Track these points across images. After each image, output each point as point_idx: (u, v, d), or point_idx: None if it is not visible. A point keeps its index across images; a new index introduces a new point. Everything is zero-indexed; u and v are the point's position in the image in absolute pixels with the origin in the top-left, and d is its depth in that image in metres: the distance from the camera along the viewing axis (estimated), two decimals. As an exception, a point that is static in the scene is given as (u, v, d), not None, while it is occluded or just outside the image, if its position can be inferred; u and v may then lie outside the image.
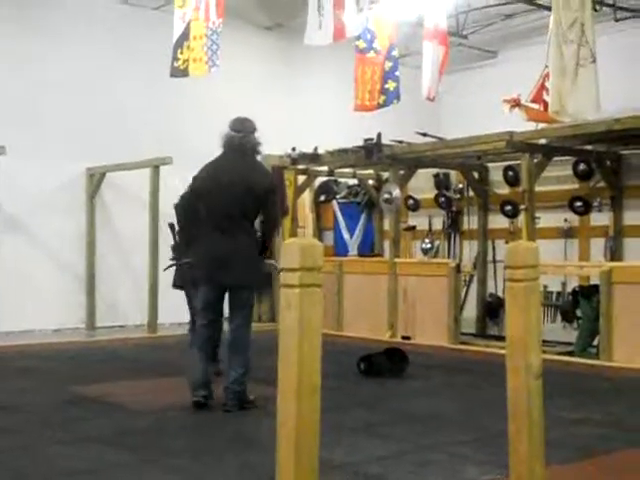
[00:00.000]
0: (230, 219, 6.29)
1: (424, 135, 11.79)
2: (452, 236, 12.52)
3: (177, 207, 7.58)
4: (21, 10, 12.14)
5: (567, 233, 11.14)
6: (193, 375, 6.54)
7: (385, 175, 12.83)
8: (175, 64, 10.69)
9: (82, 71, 12.54)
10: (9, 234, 11.44)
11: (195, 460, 5.03)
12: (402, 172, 11.74)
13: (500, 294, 11.50)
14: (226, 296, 6.50)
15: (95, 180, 12.56)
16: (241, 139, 6.40)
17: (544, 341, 7.83)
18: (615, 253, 10.66)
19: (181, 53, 10.63)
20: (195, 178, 6.61)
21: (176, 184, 7.87)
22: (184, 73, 10.65)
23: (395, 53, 11.81)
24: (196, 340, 6.60)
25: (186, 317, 7.87)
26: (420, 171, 11.98)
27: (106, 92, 12.70)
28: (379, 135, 11.41)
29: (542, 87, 11.29)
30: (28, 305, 11.59)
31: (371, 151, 11.46)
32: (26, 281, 11.68)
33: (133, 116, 12.85)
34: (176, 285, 7.78)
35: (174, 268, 7.76)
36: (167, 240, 8.23)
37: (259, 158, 6.65)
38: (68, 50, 12.44)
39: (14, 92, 11.90)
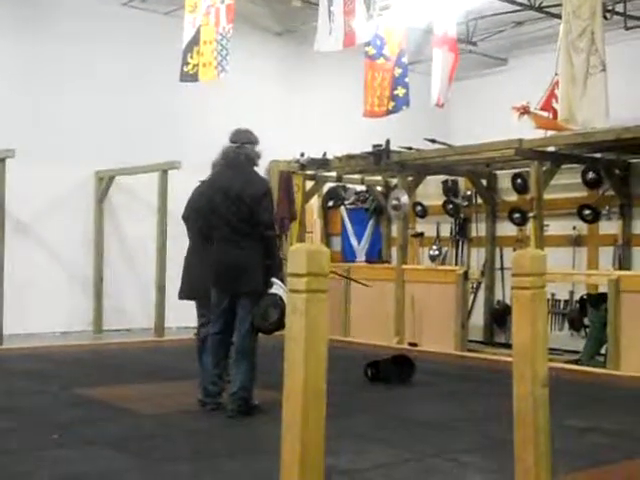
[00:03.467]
0: (232, 229, 6.41)
1: (433, 142, 11.79)
2: (460, 243, 12.50)
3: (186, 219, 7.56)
4: (33, 14, 12.18)
5: (576, 241, 11.11)
6: (203, 380, 6.61)
7: (393, 181, 12.82)
8: (185, 69, 10.71)
9: (92, 75, 12.57)
10: (17, 237, 11.46)
11: (199, 465, 5.03)
12: (410, 178, 11.74)
13: (508, 301, 11.47)
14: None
15: (104, 183, 12.59)
16: (236, 150, 6.53)
17: (551, 349, 7.84)
18: (623, 261, 10.63)
19: (191, 58, 10.65)
20: (200, 193, 6.83)
21: (184, 188, 7.86)
22: (194, 78, 10.66)
23: (405, 59, 11.82)
24: (208, 346, 6.64)
25: (193, 322, 7.86)
26: (428, 178, 11.98)
27: (115, 96, 12.73)
28: (388, 141, 11.41)
29: (552, 95, 11.27)
30: (36, 308, 11.61)
31: (380, 157, 11.46)
32: (34, 284, 11.71)
33: (142, 120, 12.87)
34: (182, 297, 7.69)
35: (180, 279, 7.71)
36: (176, 243, 8.21)
37: (257, 168, 6.70)
38: (78, 55, 12.47)
39: (23, 96, 11.94)
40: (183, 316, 9.13)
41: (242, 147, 6.54)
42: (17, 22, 12.06)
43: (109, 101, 12.68)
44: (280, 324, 6.11)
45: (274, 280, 6.34)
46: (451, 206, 12.37)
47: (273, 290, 6.31)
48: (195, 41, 10.56)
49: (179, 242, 8.05)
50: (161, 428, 6.04)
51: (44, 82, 12.17)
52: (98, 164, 12.44)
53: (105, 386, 7.76)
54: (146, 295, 12.09)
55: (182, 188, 7.88)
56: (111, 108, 12.67)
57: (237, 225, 6.38)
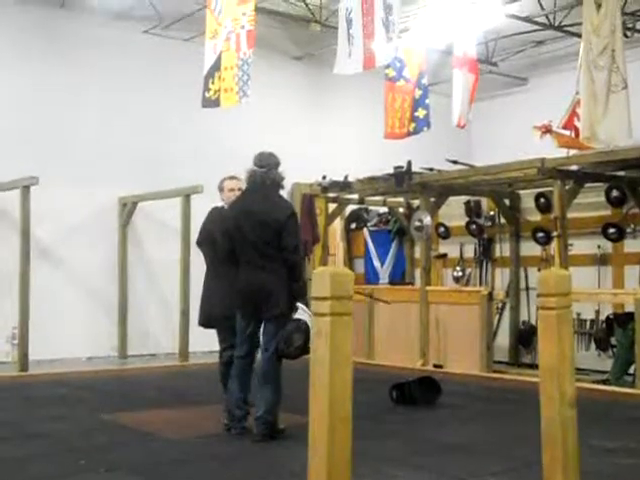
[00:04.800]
0: (257, 253, 6.42)
1: (455, 162, 11.77)
2: (484, 264, 12.43)
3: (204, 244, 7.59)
4: (53, 42, 12.33)
5: (600, 260, 11.02)
6: (229, 404, 6.61)
7: (416, 203, 12.80)
8: (207, 95, 10.76)
9: (114, 102, 12.69)
10: (42, 263, 11.54)
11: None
12: (433, 199, 11.72)
13: (533, 322, 11.40)
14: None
15: (127, 209, 12.68)
16: (262, 175, 6.55)
17: (578, 369, 7.77)
18: (650, 280, 10.53)
19: (212, 83, 10.70)
20: (225, 217, 6.81)
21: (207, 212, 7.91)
22: (215, 103, 10.71)
23: (425, 81, 11.84)
24: (233, 370, 6.63)
25: (217, 346, 7.85)
26: (451, 198, 11.95)
27: (138, 122, 12.83)
28: (409, 163, 11.41)
29: (573, 113, 11.23)
30: (60, 333, 11.66)
31: (401, 179, 11.45)
32: (58, 309, 11.76)
33: (164, 145, 12.97)
34: (201, 323, 7.69)
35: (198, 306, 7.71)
36: (199, 268, 8.21)
37: (282, 191, 6.73)
38: (100, 81, 12.60)
39: (46, 122, 12.06)
40: (207, 340, 9.12)
41: (269, 171, 6.56)
42: (39, 52, 12.20)
43: (132, 127, 12.79)
44: (304, 349, 6.11)
45: (299, 304, 6.34)
46: (474, 226, 12.32)
47: (298, 314, 6.30)
48: (216, 67, 10.61)
49: (202, 266, 8.07)
50: (187, 453, 6.03)
51: (67, 110, 12.29)
52: (121, 190, 12.53)
53: (130, 411, 7.78)
54: (170, 320, 12.12)
55: (205, 212, 7.92)
56: (134, 134, 12.77)
57: (263, 249, 6.39)
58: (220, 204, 7.79)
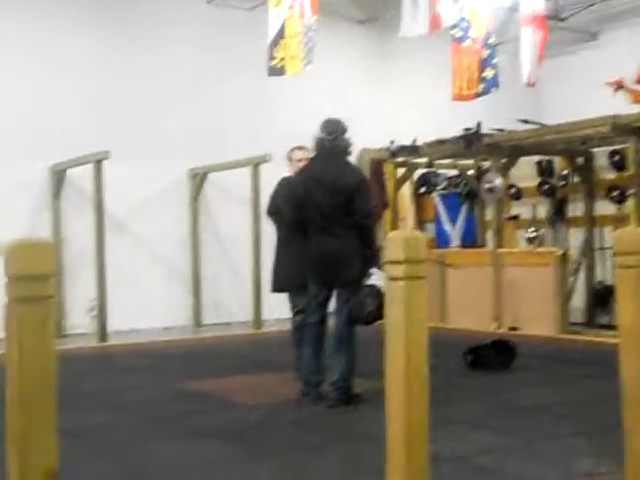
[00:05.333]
0: (329, 220, 6.42)
1: (525, 122, 11.57)
2: (557, 224, 12.24)
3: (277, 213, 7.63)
4: (120, 13, 12.44)
5: (678, 217, 10.75)
6: (303, 371, 6.66)
7: (486, 165, 12.63)
8: (271, 63, 10.76)
9: (181, 74, 12.77)
10: (117, 236, 11.73)
11: (302, 454, 5.08)
12: (503, 161, 11.55)
13: (608, 282, 11.20)
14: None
15: (197, 180, 12.80)
16: (331, 142, 6.53)
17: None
18: None
19: (277, 52, 10.70)
20: (295, 184, 6.81)
21: (276, 181, 7.96)
22: (280, 72, 10.71)
23: (492, 40, 11.62)
24: (306, 337, 6.69)
25: (290, 313, 7.92)
26: (522, 159, 11.76)
27: (205, 93, 12.90)
28: (479, 124, 11.25)
29: (646, 68, 10.94)
30: (137, 304, 11.87)
31: (471, 141, 11.31)
32: (134, 281, 11.97)
33: (232, 116, 13.01)
34: (275, 290, 7.82)
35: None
36: (270, 236, 8.27)
37: (349, 158, 6.71)
38: (167, 52, 12.67)
39: (116, 98, 12.20)
40: (280, 308, 9.20)
41: (337, 138, 6.55)
42: (107, 26, 12.33)
43: (199, 99, 12.86)
44: (378, 315, 6.11)
45: (372, 270, 6.33)
46: (547, 187, 12.11)
47: (371, 280, 6.30)
48: (280, 35, 10.61)
49: (273, 235, 8.12)
50: (263, 419, 6.10)
51: (135, 84, 12.41)
52: (191, 161, 12.64)
53: (207, 379, 7.90)
54: (242, 288, 12.24)
55: (274, 181, 7.96)
56: (201, 106, 12.84)
57: (334, 215, 6.39)
58: (288, 174, 7.83)
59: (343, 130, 6.63)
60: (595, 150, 11.69)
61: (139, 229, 12.26)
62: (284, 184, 7.71)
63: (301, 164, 7.58)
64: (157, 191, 12.47)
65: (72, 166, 11.28)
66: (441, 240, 13.53)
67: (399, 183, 13.10)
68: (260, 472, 4.71)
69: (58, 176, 11.64)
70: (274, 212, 7.70)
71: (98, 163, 10.56)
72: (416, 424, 2.82)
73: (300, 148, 7.95)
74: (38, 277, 2.30)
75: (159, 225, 12.35)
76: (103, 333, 10.63)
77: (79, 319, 11.57)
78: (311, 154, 7.09)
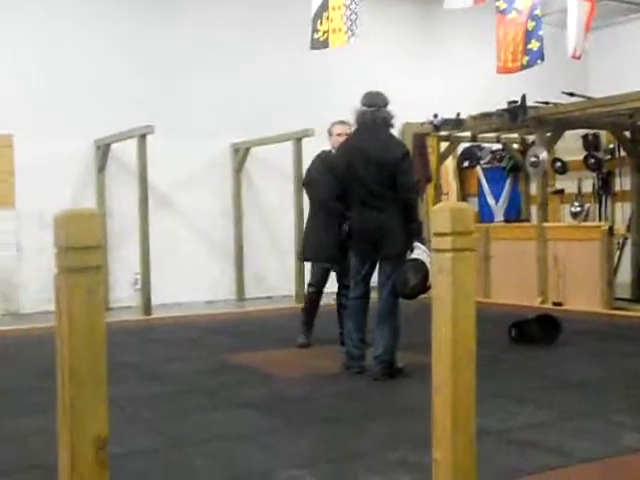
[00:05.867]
0: (372, 194, 6.39)
1: (571, 95, 11.39)
2: (603, 198, 12.08)
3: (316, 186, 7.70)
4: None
5: None
6: (347, 344, 6.68)
7: (531, 138, 12.49)
8: (315, 36, 10.71)
9: (222, 50, 12.75)
10: (160, 210, 11.81)
11: (344, 427, 5.10)
12: (548, 134, 11.40)
13: (656, 257, 11.06)
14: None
15: (240, 155, 12.81)
16: (373, 114, 6.49)
17: None
18: None
19: (320, 25, 10.64)
20: (335, 157, 6.84)
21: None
22: (324, 44, 10.66)
23: (537, 12, 11.41)
24: (349, 311, 6.70)
25: (333, 287, 7.96)
26: (568, 132, 11.60)
27: (247, 68, 12.88)
28: (524, 97, 11.11)
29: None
30: (180, 278, 11.97)
31: (516, 114, 11.16)
32: (177, 256, 12.06)
33: (273, 90, 12.98)
34: (305, 258, 8.20)
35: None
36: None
37: (392, 130, 6.67)
38: (210, 27, 12.66)
39: (160, 72, 12.23)
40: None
41: (379, 110, 6.50)
42: (151, 1, 12.35)
43: (242, 74, 12.85)
44: (422, 288, 6.10)
45: (416, 244, 6.30)
46: (593, 161, 11.94)
47: (415, 254, 6.27)
48: (324, 7, 10.54)
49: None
50: (306, 391, 6.13)
51: (179, 59, 12.42)
52: (234, 136, 12.65)
53: (250, 352, 7.95)
54: (285, 262, 12.28)
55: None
56: (244, 80, 12.83)
57: (377, 189, 6.35)
58: (328, 148, 7.83)
59: (385, 102, 6.58)
60: (643, 123, 11.50)
61: (182, 203, 12.33)
62: (322, 157, 7.75)
63: (341, 138, 7.60)
64: (200, 166, 12.51)
65: (116, 140, 11.35)
66: (484, 214, 13.45)
67: (442, 157, 13.01)
68: (301, 444, 4.73)
69: (102, 150, 11.72)
70: (308, 183, 7.81)
71: (142, 137, 10.61)
72: (463, 397, 2.81)
73: (342, 122, 7.94)
74: (86, 247, 2.31)
75: (202, 199, 12.40)
76: (147, 306, 10.73)
77: (123, 293, 11.70)
78: (352, 128, 7.07)
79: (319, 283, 8.05)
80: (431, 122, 12.29)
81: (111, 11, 12.02)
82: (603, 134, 12.00)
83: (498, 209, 13.41)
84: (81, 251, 2.30)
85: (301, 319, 8.28)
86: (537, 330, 7.99)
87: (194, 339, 9.07)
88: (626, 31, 15.63)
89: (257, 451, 4.59)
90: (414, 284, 6.19)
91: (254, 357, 7.64)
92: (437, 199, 12.60)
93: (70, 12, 11.73)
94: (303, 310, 8.33)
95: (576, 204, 11.87)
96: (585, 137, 12.06)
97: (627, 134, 11.63)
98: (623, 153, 11.76)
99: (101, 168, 11.80)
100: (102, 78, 11.79)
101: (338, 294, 7.82)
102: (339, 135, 7.84)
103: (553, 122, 11.23)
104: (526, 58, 11.29)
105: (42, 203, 10.65)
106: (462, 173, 14.10)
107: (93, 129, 11.50)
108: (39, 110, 11.31)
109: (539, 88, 12.04)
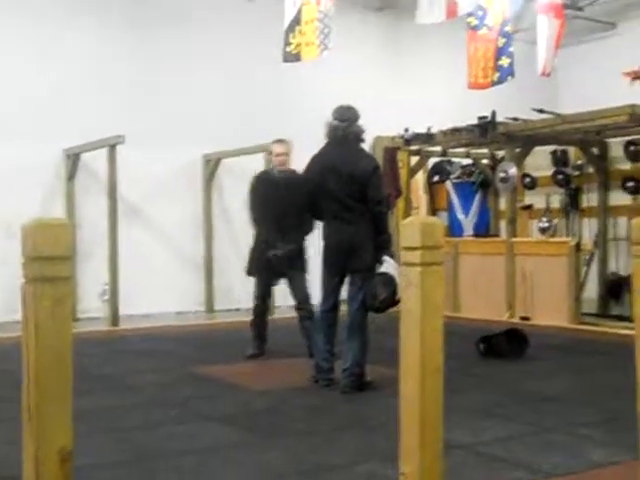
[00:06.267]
0: (343, 207, 6.43)
1: (540, 111, 11.50)
2: (571, 214, 12.18)
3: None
4: (136, 1, 12.42)
5: (693, 208, 10.69)
6: (316, 357, 6.69)
7: (500, 154, 12.59)
8: (287, 49, 10.74)
9: (197, 59, 12.73)
10: (130, 220, 11.74)
11: (312, 440, 5.08)
12: (518, 150, 11.50)
13: (622, 273, 11.16)
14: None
15: (211, 166, 12.79)
16: (345, 129, 6.52)
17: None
18: None
19: (293, 38, 10.67)
20: (305, 172, 6.80)
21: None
22: (296, 57, 10.69)
23: (508, 29, 11.55)
24: (319, 324, 6.71)
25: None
26: (537, 148, 11.70)
27: (220, 79, 12.87)
28: (494, 113, 11.20)
29: (665, 58, 10.85)
30: (149, 289, 11.89)
31: (485, 129, 11.25)
32: (147, 266, 11.98)
33: (246, 102, 12.98)
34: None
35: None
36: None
37: (363, 144, 6.72)
38: (183, 38, 12.64)
39: (131, 81, 12.17)
40: (289, 296, 9.20)
41: (350, 125, 6.53)
42: (124, 13, 12.30)
43: (214, 85, 12.83)
44: (391, 302, 6.12)
45: (385, 257, 6.33)
46: (561, 177, 12.05)
47: (384, 267, 6.30)
48: (297, 21, 10.58)
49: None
50: (274, 404, 6.11)
51: (151, 69, 12.38)
52: (205, 146, 12.62)
53: (218, 364, 7.92)
54: (255, 275, 12.25)
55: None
56: (216, 92, 12.82)
57: (348, 202, 6.39)
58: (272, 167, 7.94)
59: (356, 116, 6.61)
60: (610, 140, 11.62)
61: (152, 214, 12.27)
62: (261, 177, 7.88)
63: (279, 159, 7.70)
64: (171, 176, 12.46)
65: (86, 150, 11.29)
66: (454, 229, 13.51)
67: (413, 171, 13.08)
68: (269, 457, 4.71)
69: (72, 160, 11.65)
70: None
71: (112, 147, 10.56)
72: (431, 411, 2.82)
73: (279, 142, 7.96)
74: (55, 258, 2.30)
75: (172, 210, 12.35)
76: (115, 317, 10.65)
77: (91, 303, 11.59)
78: (290, 149, 7.50)
79: (260, 297, 8.12)
80: (402, 136, 12.36)
81: (82, 21, 11.97)
82: (571, 150, 12.12)
83: (468, 224, 13.48)
84: (49, 261, 2.29)
85: (251, 334, 8.26)
86: (505, 344, 8.04)
87: (162, 351, 9.01)
88: (595, 49, 15.82)
89: (226, 464, 4.57)
90: (384, 298, 6.21)
91: (223, 369, 7.61)
92: (407, 213, 12.65)
93: (40, 22, 11.66)
94: (252, 325, 8.32)
95: (544, 220, 11.97)
96: (554, 153, 12.17)
97: (595, 151, 11.77)
98: (591, 169, 11.89)
99: (70, 177, 11.72)
100: (72, 87, 11.72)
101: (296, 308, 7.94)
102: (277, 155, 7.88)
103: (522, 138, 11.33)
104: (497, 74, 11.42)
105: (9, 212, 10.54)
106: (432, 187, 14.18)
107: (63, 138, 11.42)
108: (7, 118, 11.21)
109: (509, 104, 12.13)
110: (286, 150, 7.92)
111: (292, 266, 7.83)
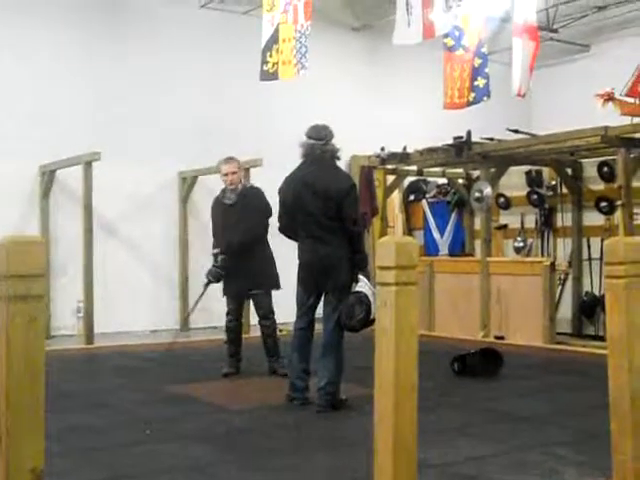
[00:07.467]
0: (318, 225, 6.43)
1: (515, 132, 11.60)
2: (545, 234, 12.28)
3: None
4: (112, 17, 12.43)
5: (666, 229, 10.78)
6: (291, 376, 6.67)
7: (475, 173, 12.68)
8: (264, 68, 10.75)
9: (173, 77, 12.76)
10: (105, 237, 11.71)
11: (289, 458, 5.07)
12: (493, 170, 11.58)
13: (596, 292, 11.25)
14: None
15: (187, 184, 12.77)
16: (322, 147, 6.53)
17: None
18: None
19: (270, 57, 10.69)
20: (280, 190, 6.76)
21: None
22: (274, 76, 10.70)
23: (484, 50, 11.64)
24: (294, 342, 6.70)
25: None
26: (511, 169, 11.80)
27: (197, 97, 12.90)
28: (469, 133, 11.28)
29: (638, 80, 10.96)
30: (125, 307, 11.84)
31: (461, 149, 11.33)
32: (122, 283, 11.94)
33: (223, 120, 13.00)
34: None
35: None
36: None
37: (338, 163, 6.74)
38: (159, 56, 12.67)
39: (107, 99, 12.18)
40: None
41: (326, 144, 6.55)
42: (96, 27, 12.31)
43: (191, 103, 12.86)
44: (366, 321, 6.13)
45: (360, 277, 6.34)
46: (535, 196, 12.15)
47: (359, 286, 6.31)
48: (274, 40, 10.60)
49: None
50: (250, 423, 6.09)
51: (126, 87, 12.39)
52: (181, 164, 12.62)
53: (194, 382, 7.87)
54: (231, 293, 12.21)
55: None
56: (192, 110, 12.84)
57: (323, 221, 6.39)
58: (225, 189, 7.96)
59: (331, 135, 6.63)
60: (584, 161, 11.74)
61: (128, 231, 12.24)
62: (216, 200, 7.88)
63: (227, 178, 7.67)
64: (146, 194, 12.45)
65: (62, 167, 11.25)
66: (429, 248, 13.57)
67: (389, 190, 13.12)
68: (244, 476, 4.69)
69: (48, 176, 11.60)
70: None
71: (88, 164, 10.53)
72: (404, 431, 2.82)
73: (228, 161, 7.91)
74: (28, 276, 2.29)
75: (148, 228, 12.32)
76: (89, 335, 10.58)
77: (66, 321, 11.53)
78: (239, 168, 7.64)
79: (232, 312, 8.23)
80: (378, 155, 12.40)
81: (58, 37, 11.96)
82: (546, 171, 12.22)
83: (443, 243, 13.54)
84: (23, 279, 2.27)
85: (226, 352, 8.24)
86: (479, 363, 8.05)
87: (137, 369, 8.96)
88: (569, 71, 16.01)
89: (198, 483, 4.54)
90: (360, 317, 6.21)
91: (199, 388, 7.57)
92: (383, 232, 12.69)
93: (15, 37, 11.63)
94: (226, 342, 8.29)
95: (519, 239, 12.05)
96: (528, 173, 12.27)
97: (569, 171, 11.87)
98: (565, 189, 11.99)
99: (46, 194, 11.67)
100: (48, 104, 11.70)
101: (259, 323, 7.99)
102: (225, 175, 7.83)
103: (497, 158, 11.42)
104: (473, 95, 11.49)
105: (-16, 229, 10.47)
106: (408, 206, 14.24)
107: (37, 155, 11.38)
108: (-17, 135, 11.17)
109: (485, 124, 12.24)
110: (234, 169, 7.88)
111: (256, 284, 7.87)
